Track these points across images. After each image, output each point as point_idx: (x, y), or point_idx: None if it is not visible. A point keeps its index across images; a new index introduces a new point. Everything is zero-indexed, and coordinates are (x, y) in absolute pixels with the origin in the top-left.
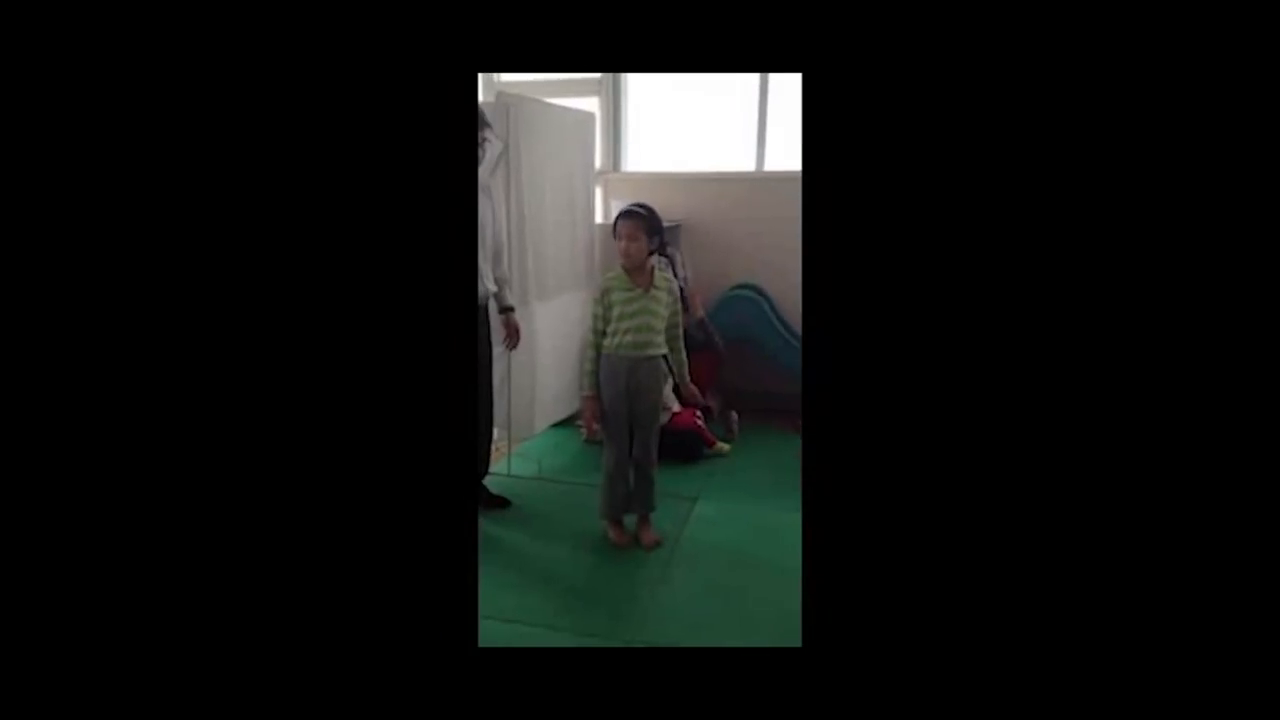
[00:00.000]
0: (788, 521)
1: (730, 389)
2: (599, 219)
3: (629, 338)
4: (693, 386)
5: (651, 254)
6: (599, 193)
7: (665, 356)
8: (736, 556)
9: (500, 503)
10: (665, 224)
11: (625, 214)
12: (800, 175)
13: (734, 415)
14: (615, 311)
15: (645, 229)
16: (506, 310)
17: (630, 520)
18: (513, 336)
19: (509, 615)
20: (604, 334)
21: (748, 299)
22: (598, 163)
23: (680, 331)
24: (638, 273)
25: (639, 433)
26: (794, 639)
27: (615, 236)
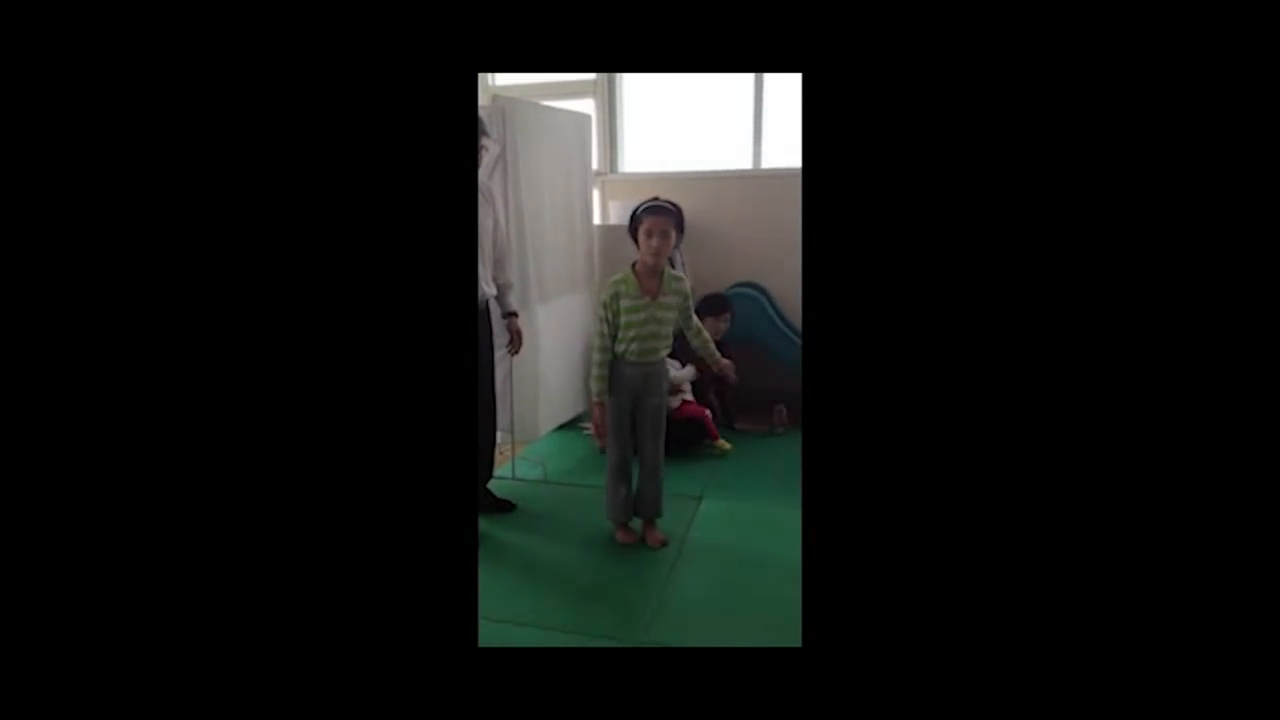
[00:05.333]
0: (792, 518)
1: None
2: (597, 220)
3: (634, 346)
4: (725, 361)
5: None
6: (597, 194)
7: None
8: (743, 554)
9: (505, 506)
10: None
11: (653, 209)
12: (797, 172)
13: (782, 409)
14: (622, 320)
15: (676, 225)
16: (510, 315)
17: (638, 521)
18: (516, 341)
19: (518, 619)
20: (613, 338)
21: (748, 297)
22: (595, 164)
23: (693, 319)
24: (648, 276)
25: (645, 437)
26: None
27: (642, 235)
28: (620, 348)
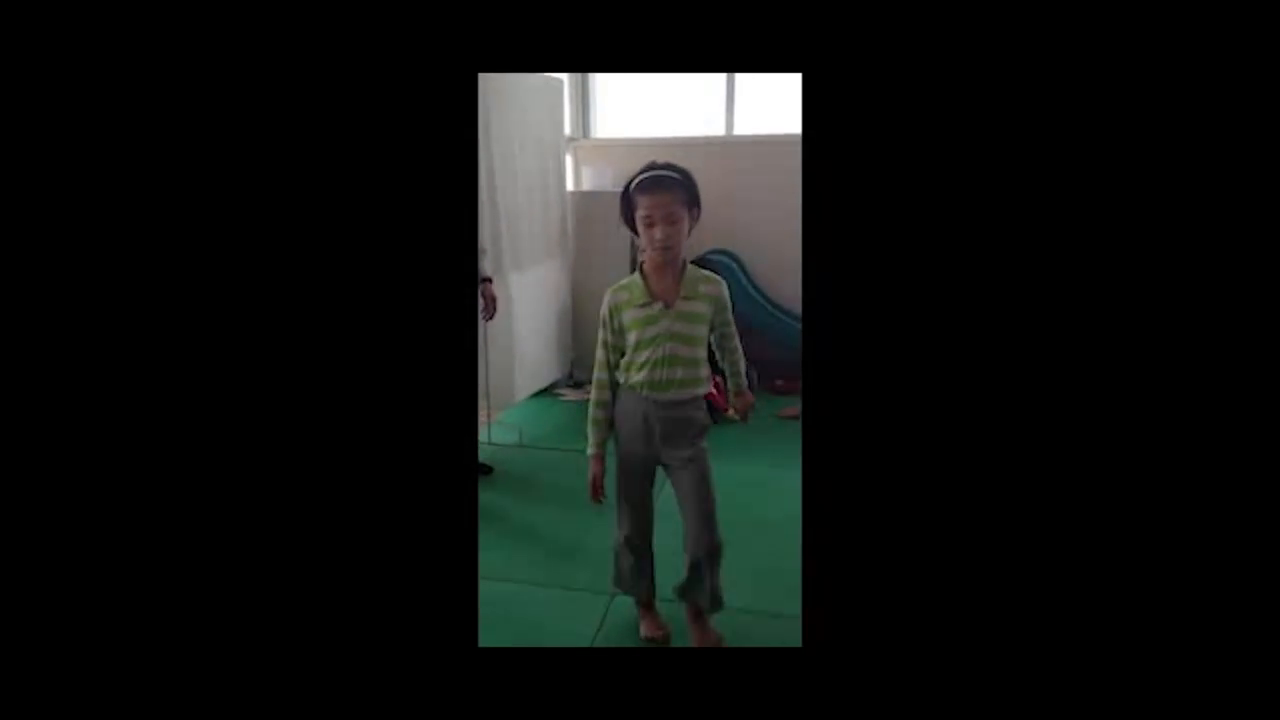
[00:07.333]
0: (766, 476)
1: None
2: (570, 186)
3: (642, 375)
4: (749, 395)
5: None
6: (569, 160)
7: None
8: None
9: (482, 469)
10: None
11: (649, 185)
12: (770, 139)
13: (753, 373)
14: (631, 337)
15: (685, 201)
16: (483, 281)
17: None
18: (490, 306)
19: (493, 574)
20: (615, 367)
21: (721, 265)
22: (567, 130)
23: (734, 340)
24: (659, 276)
25: (686, 509)
26: (777, 590)
27: (640, 223)
28: (627, 376)
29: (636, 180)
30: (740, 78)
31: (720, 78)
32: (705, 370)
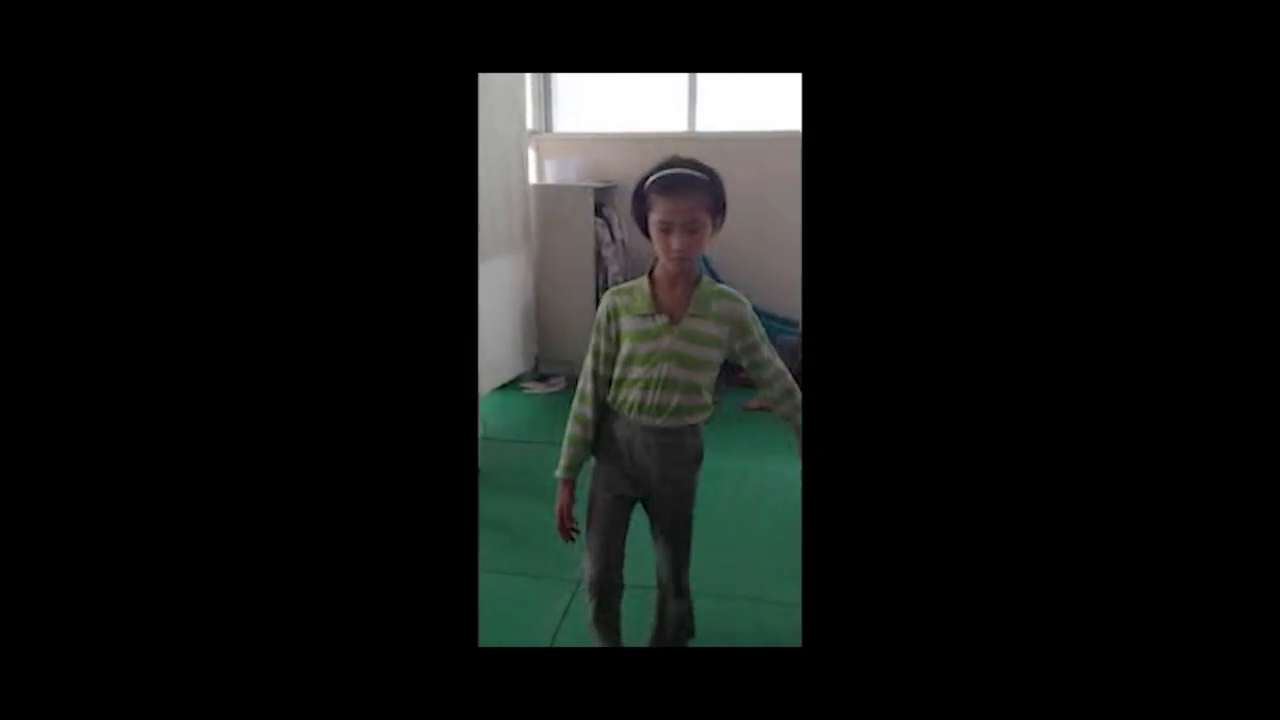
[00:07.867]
0: (740, 468)
1: None
2: (532, 179)
3: (632, 394)
4: None
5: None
6: (531, 154)
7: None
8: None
9: None
10: (600, 185)
11: (670, 186)
12: (733, 137)
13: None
14: (624, 348)
15: (710, 207)
16: None
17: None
18: None
19: None
20: (607, 381)
21: None
22: (529, 124)
23: (771, 368)
24: (669, 287)
25: (658, 545)
26: (752, 575)
27: (654, 228)
28: (616, 394)
29: (654, 177)
30: (702, 76)
31: (682, 74)
32: (706, 398)
